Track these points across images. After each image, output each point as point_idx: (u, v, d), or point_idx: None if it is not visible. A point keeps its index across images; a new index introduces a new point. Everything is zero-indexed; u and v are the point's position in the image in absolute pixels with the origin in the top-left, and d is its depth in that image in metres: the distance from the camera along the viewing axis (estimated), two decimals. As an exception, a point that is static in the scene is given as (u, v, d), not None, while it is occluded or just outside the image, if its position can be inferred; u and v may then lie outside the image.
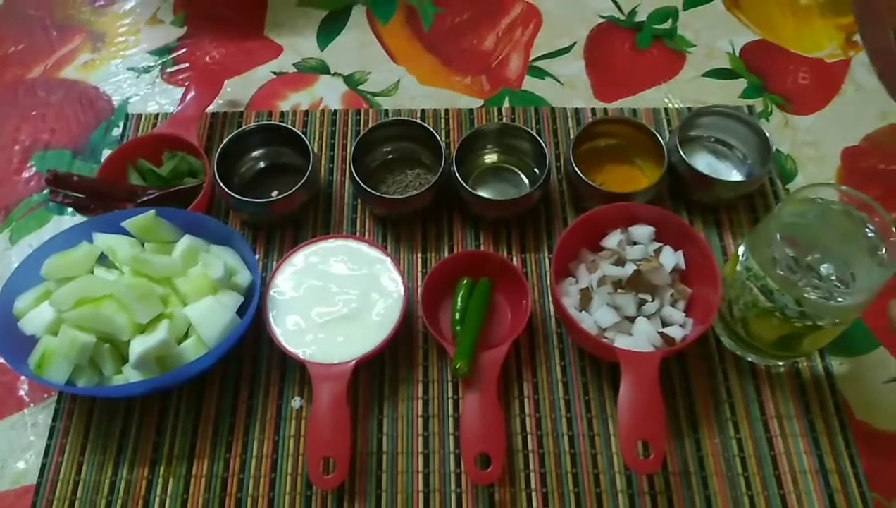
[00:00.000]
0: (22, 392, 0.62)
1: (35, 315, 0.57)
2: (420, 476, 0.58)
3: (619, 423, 0.53)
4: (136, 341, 0.55)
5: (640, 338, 0.57)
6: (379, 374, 0.62)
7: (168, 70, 0.81)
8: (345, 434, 0.55)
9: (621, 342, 0.57)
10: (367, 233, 0.69)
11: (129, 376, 0.55)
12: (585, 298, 0.59)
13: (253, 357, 0.63)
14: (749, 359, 0.62)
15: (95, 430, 0.60)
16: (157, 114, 0.76)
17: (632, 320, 0.59)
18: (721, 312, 0.60)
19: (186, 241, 0.60)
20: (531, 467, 0.58)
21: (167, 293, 0.58)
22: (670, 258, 0.60)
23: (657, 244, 0.61)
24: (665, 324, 0.59)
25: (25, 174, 0.73)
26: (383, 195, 0.65)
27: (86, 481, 0.58)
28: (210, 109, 0.75)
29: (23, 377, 0.62)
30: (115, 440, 0.59)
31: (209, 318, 0.56)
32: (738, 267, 0.56)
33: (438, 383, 0.62)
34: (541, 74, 0.80)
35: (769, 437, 0.59)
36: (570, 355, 0.63)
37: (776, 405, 0.61)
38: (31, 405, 0.61)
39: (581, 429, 0.59)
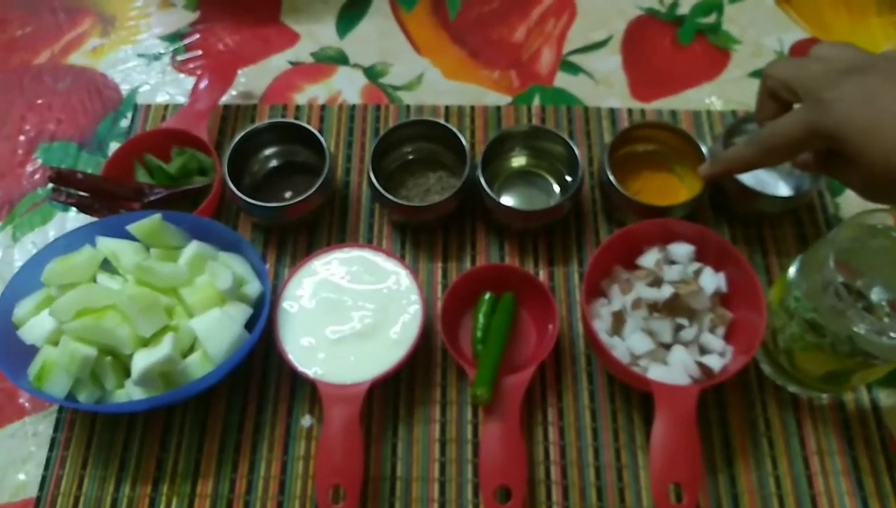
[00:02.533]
0: (22, 400, 0.59)
1: (35, 324, 0.54)
2: (436, 504, 0.55)
3: (651, 463, 0.49)
4: (138, 355, 0.52)
5: (677, 368, 0.53)
6: (394, 393, 0.59)
7: (179, 57, 0.77)
8: (357, 461, 0.51)
9: (655, 371, 0.53)
10: (384, 239, 0.65)
11: (132, 391, 0.52)
12: (618, 321, 0.55)
13: (261, 371, 0.60)
14: (791, 390, 0.57)
15: (97, 443, 0.57)
16: (167, 105, 0.73)
17: (667, 346, 0.55)
18: (764, 340, 0.55)
19: (193, 247, 0.57)
20: (554, 498, 0.55)
21: (172, 304, 0.55)
22: (711, 281, 0.56)
23: (697, 265, 0.57)
24: (703, 352, 0.55)
25: (30, 167, 0.70)
26: (404, 202, 0.61)
27: (87, 496, 0.55)
28: (223, 100, 0.71)
29: (24, 384, 0.59)
30: (118, 455, 0.57)
31: (216, 332, 0.53)
32: (785, 295, 0.52)
33: (457, 405, 0.58)
34: (574, 69, 0.75)
35: (809, 475, 0.55)
36: (599, 379, 0.59)
37: (818, 440, 0.56)
38: (32, 413, 0.59)
39: (608, 460, 0.56)
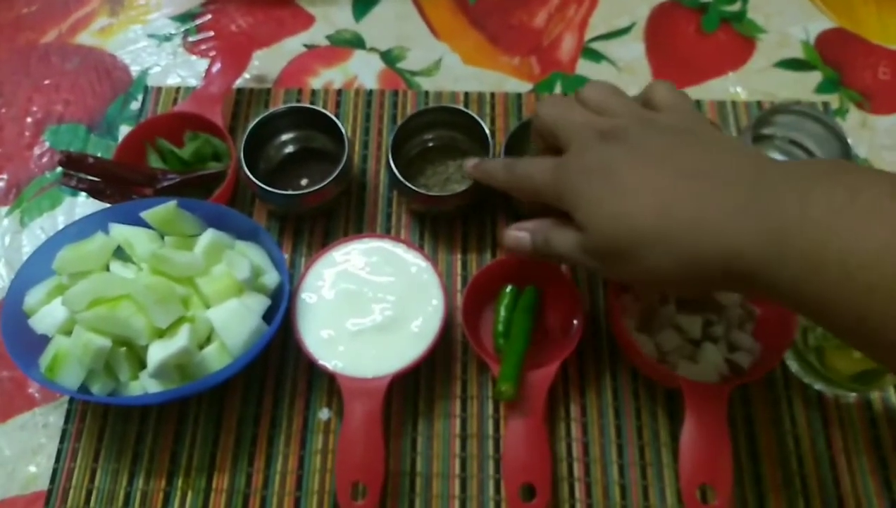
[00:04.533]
0: (32, 390, 0.58)
1: (47, 313, 0.52)
2: (456, 501, 0.54)
3: (681, 463, 0.48)
4: (154, 347, 0.50)
5: (707, 365, 0.52)
6: (413, 387, 0.57)
7: (191, 39, 0.75)
8: (378, 458, 0.50)
9: (685, 369, 0.52)
10: (402, 229, 0.64)
11: (147, 383, 0.51)
12: (645, 317, 0.54)
13: (278, 363, 0.58)
14: (817, 387, 0.56)
15: (110, 435, 0.56)
16: (179, 87, 0.71)
17: (696, 343, 0.54)
18: (792, 337, 0.54)
19: (209, 236, 0.55)
20: (577, 496, 0.54)
21: (188, 294, 0.53)
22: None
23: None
24: (731, 349, 0.54)
25: (37, 150, 0.68)
26: (423, 191, 0.59)
27: (100, 489, 0.54)
28: (236, 83, 0.69)
29: (33, 373, 0.58)
30: (131, 447, 0.55)
31: (234, 324, 0.52)
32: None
33: (478, 399, 0.57)
34: (596, 56, 0.74)
35: (835, 474, 0.54)
36: (622, 375, 0.58)
37: (844, 438, 0.56)
38: (42, 404, 0.57)
39: (632, 457, 0.55)
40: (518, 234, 0.47)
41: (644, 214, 0.37)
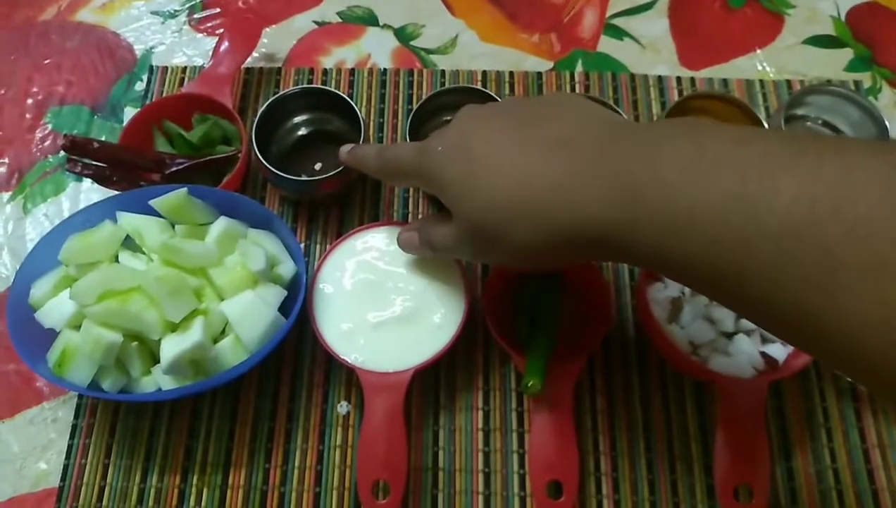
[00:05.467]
0: (40, 384, 0.56)
1: (54, 306, 0.50)
2: (480, 497, 0.52)
3: (717, 463, 0.47)
4: (167, 341, 0.48)
5: (741, 359, 0.50)
6: (433, 379, 0.56)
7: (196, 16, 0.72)
8: (401, 455, 0.49)
9: (717, 362, 0.50)
10: (419, 215, 0.61)
11: (160, 379, 0.49)
12: (675, 308, 0.52)
13: (294, 354, 0.56)
14: (849, 378, 0.55)
15: (121, 430, 0.54)
16: (185, 67, 0.68)
17: (728, 335, 0.52)
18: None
19: (222, 224, 0.53)
20: (604, 492, 0.52)
21: (201, 285, 0.51)
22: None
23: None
24: (764, 341, 0.52)
25: (39, 133, 0.65)
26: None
27: (112, 487, 0.53)
28: (245, 63, 0.66)
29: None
30: (144, 443, 0.54)
31: (249, 317, 0.50)
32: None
33: (501, 391, 0.55)
34: (619, 33, 0.71)
35: (870, 469, 0.53)
36: (650, 366, 0.56)
37: (878, 432, 0.54)
38: (51, 398, 0.56)
39: (660, 450, 0.53)
40: (409, 235, 0.47)
41: (505, 191, 0.36)
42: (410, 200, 0.62)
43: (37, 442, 0.54)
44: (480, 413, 0.55)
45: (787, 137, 0.29)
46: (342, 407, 0.55)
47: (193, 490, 0.52)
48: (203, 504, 0.52)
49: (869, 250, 0.25)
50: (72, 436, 0.54)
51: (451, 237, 0.41)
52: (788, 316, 0.28)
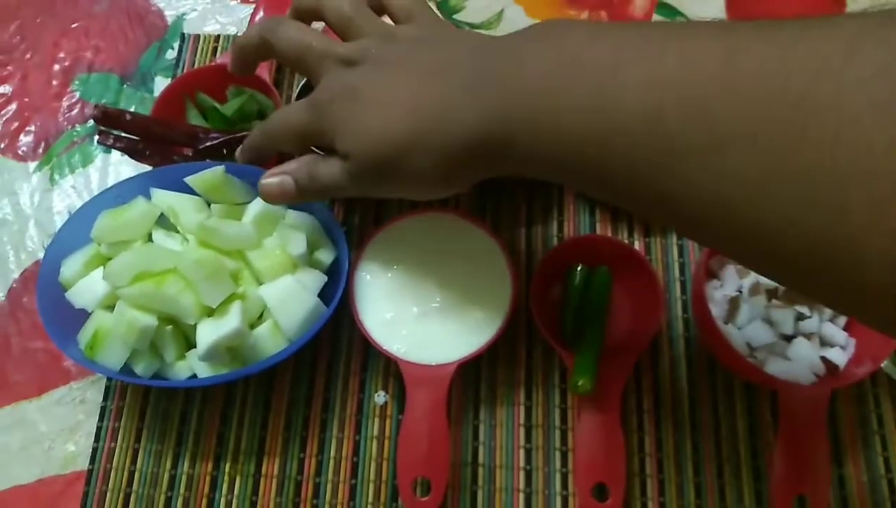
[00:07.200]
0: (68, 363, 0.54)
1: (85, 286, 0.48)
2: (521, 495, 0.51)
3: (774, 470, 0.45)
4: (203, 326, 0.46)
5: (801, 364, 0.48)
6: (474, 372, 0.54)
7: (230, -19, 0.69)
8: (443, 451, 0.47)
9: (775, 366, 0.48)
10: (461, 201, 0.59)
11: (195, 365, 0.47)
12: (733, 307, 0.50)
13: (330, 341, 0.54)
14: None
15: (152, 414, 0.53)
16: (219, 36, 0.65)
17: (787, 338, 0.49)
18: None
19: (260, 204, 0.51)
20: (649, 494, 0.50)
21: (238, 268, 0.49)
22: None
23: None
24: (823, 344, 0.50)
25: (66, 101, 0.63)
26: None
27: (142, 472, 0.51)
28: (280, 33, 0.63)
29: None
30: (175, 428, 0.52)
31: (289, 303, 0.48)
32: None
33: (543, 387, 0.53)
34: (672, 12, 0.67)
35: (926, 479, 0.51)
36: (699, 365, 0.54)
37: (936, 440, 0.52)
38: (79, 378, 0.54)
39: (708, 453, 0.51)
40: (278, 179, 0.44)
41: (396, 122, 0.37)
42: (452, 183, 0.59)
43: (65, 423, 0.53)
44: (522, 409, 0.53)
45: (638, 28, 0.31)
46: (380, 397, 0.53)
47: (226, 477, 0.51)
48: (236, 492, 0.51)
49: (707, 132, 0.26)
50: (101, 418, 0.53)
51: (342, 174, 0.40)
52: (651, 202, 0.30)
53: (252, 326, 0.48)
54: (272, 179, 0.44)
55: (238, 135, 0.57)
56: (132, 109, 0.60)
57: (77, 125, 0.62)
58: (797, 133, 0.24)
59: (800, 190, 0.24)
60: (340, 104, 0.39)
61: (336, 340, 0.54)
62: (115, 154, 0.61)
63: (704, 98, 0.26)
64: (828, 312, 0.50)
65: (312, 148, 0.44)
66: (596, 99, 0.29)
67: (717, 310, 0.50)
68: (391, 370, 0.53)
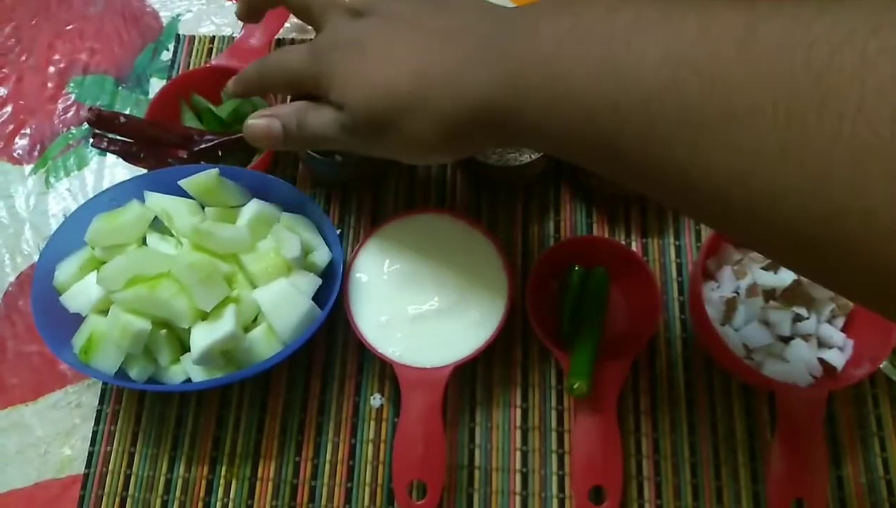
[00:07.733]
0: (63, 367, 0.54)
1: (79, 290, 0.48)
2: (517, 497, 0.50)
3: (771, 472, 0.45)
4: (197, 330, 0.46)
5: (798, 365, 0.48)
6: (470, 373, 0.53)
7: (224, -18, 0.68)
8: (439, 454, 0.47)
9: (772, 368, 0.48)
10: (458, 200, 0.59)
11: (189, 369, 0.47)
12: (730, 309, 0.49)
13: (326, 343, 0.54)
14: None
15: (147, 418, 0.53)
16: (214, 37, 0.65)
17: (785, 340, 0.49)
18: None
19: (254, 207, 0.50)
20: (646, 497, 0.50)
21: (232, 272, 0.49)
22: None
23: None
24: (821, 346, 0.49)
25: (62, 103, 0.63)
26: (489, 162, 0.54)
27: (138, 475, 0.51)
28: (277, 35, 0.63)
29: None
30: (170, 432, 0.52)
31: (283, 306, 0.47)
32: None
33: (540, 388, 0.53)
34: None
35: (925, 480, 0.51)
36: (696, 366, 0.53)
37: (935, 441, 0.52)
38: (75, 382, 0.54)
39: (705, 455, 0.51)
40: (266, 122, 0.43)
41: (400, 80, 0.36)
42: (447, 184, 0.59)
43: (61, 427, 0.53)
44: (518, 411, 0.53)
45: (656, 2, 0.30)
46: (375, 400, 0.53)
47: (222, 481, 0.51)
48: (231, 495, 0.51)
49: (725, 102, 0.25)
50: (97, 422, 0.53)
51: (334, 124, 0.39)
52: (660, 176, 0.29)
53: (246, 329, 0.48)
54: (260, 120, 0.43)
55: (233, 137, 0.56)
56: (127, 111, 0.60)
57: (72, 128, 0.62)
58: (818, 104, 0.23)
59: (817, 164, 0.23)
60: (342, 53, 0.38)
61: (331, 342, 0.54)
62: (111, 157, 0.60)
63: (723, 68, 0.25)
64: (826, 313, 0.50)
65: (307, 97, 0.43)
66: (610, 66, 0.29)
67: (714, 311, 0.50)
68: (387, 373, 0.53)
